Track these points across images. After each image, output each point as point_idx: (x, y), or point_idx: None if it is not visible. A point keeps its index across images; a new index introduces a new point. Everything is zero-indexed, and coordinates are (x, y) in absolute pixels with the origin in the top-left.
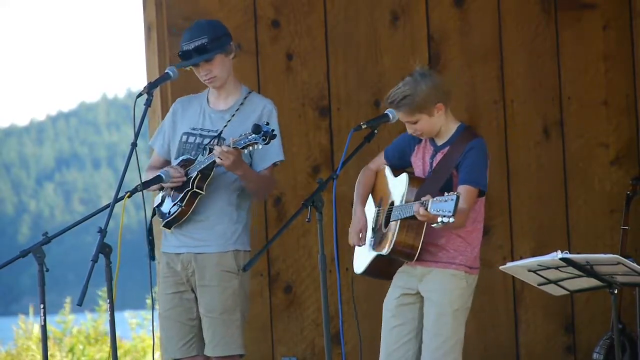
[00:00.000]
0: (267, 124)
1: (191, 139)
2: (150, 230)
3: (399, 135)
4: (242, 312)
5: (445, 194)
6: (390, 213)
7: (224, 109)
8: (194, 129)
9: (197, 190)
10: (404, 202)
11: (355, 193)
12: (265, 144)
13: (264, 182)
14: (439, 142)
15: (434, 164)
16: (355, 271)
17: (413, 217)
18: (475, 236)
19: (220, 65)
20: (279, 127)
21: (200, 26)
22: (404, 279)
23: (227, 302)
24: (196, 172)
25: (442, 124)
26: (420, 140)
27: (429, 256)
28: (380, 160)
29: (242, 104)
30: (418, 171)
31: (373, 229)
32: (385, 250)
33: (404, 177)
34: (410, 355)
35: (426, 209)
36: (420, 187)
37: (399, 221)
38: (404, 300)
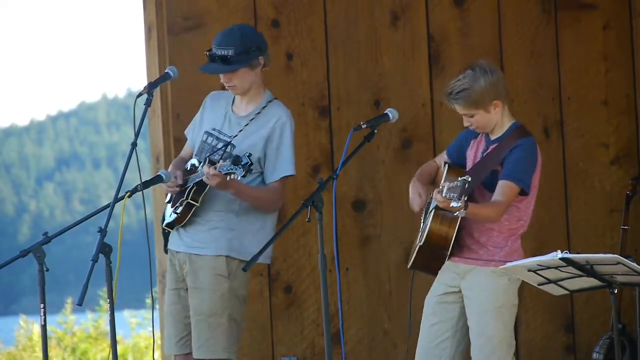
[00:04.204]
0: (249, 155)
1: (209, 140)
2: (163, 222)
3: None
4: (230, 316)
5: (460, 178)
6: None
7: (243, 115)
8: (214, 130)
9: (191, 201)
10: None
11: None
12: (243, 176)
13: (265, 196)
14: (492, 138)
15: None
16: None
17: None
18: (515, 232)
19: (241, 78)
20: (293, 140)
21: (231, 34)
22: (448, 275)
23: (214, 305)
24: (192, 184)
25: (498, 120)
26: (477, 135)
27: (471, 254)
28: (443, 157)
29: (259, 113)
30: (469, 165)
31: (423, 222)
32: (421, 241)
33: (445, 167)
34: (447, 354)
35: (441, 194)
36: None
37: (433, 211)
38: (445, 298)
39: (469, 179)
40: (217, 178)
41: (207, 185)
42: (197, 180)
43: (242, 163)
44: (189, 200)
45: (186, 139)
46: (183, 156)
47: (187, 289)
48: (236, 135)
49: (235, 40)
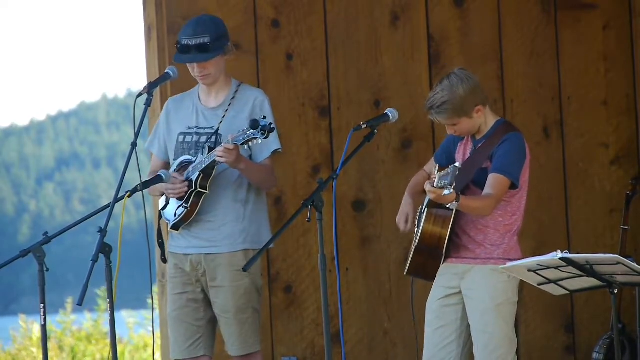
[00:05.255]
0: (264, 117)
1: (188, 138)
2: (159, 233)
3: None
4: (254, 308)
5: (450, 165)
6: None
7: (215, 106)
8: (189, 128)
9: (200, 190)
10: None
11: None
12: (265, 138)
13: (265, 172)
14: (478, 137)
15: None
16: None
17: (438, 205)
18: (511, 228)
19: (216, 65)
20: (273, 116)
21: (204, 23)
22: (446, 277)
23: (239, 301)
24: (198, 173)
25: (482, 122)
26: (463, 137)
27: (469, 253)
28: (431, 164)
29: (233, 97)
30: None
31: (417, 225)
32: (416, 242)
33: (435, 169)
34: (453, 357)
35: (432, 185)
36: None
37: (426, 210)
38: (447, 301)
39: (459, 166)
40: (234, 152)
41: (212, 171)
42: (202, 167)
43: (262, 125)
44: (198, 189)
45: (151, 154)
46: (155, 170)
47: (201, 290)
48: (221, 122)
49: (209, 28)
